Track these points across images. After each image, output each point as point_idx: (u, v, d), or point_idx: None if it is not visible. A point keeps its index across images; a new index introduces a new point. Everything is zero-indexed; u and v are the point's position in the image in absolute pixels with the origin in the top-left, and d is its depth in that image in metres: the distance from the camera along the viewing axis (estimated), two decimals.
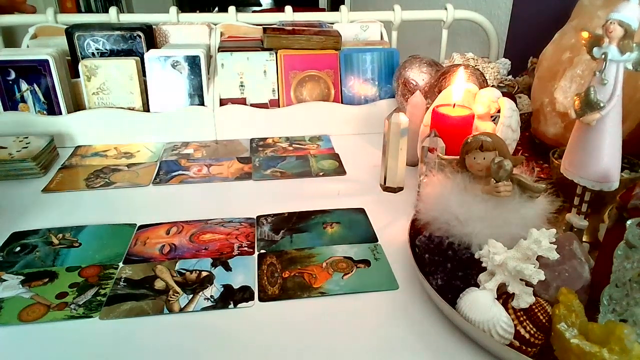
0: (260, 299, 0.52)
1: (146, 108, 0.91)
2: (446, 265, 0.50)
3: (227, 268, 0.57)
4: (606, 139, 0.49)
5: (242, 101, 0.94)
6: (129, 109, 0.90)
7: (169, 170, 0.81)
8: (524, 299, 0.44)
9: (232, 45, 0.97)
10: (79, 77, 0.88)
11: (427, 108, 0.77)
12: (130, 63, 0.88)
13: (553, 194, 0.51)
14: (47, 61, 0.85)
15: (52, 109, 0.88)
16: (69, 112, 0.88)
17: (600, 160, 0.50)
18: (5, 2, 1.04)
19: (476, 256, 0.48)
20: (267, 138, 0.93)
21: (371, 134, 0.94)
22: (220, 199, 0.72)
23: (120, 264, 0.57)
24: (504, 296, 0.46)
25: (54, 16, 1.02)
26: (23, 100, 0.87)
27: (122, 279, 0.55)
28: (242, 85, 0.93)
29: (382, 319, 0.50)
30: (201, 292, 0.53)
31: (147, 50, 0.93)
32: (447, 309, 0.46)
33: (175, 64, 0.89)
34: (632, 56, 0.47)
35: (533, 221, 0.49)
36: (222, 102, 0.92)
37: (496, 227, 0.49)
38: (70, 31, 0.93)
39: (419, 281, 0.53)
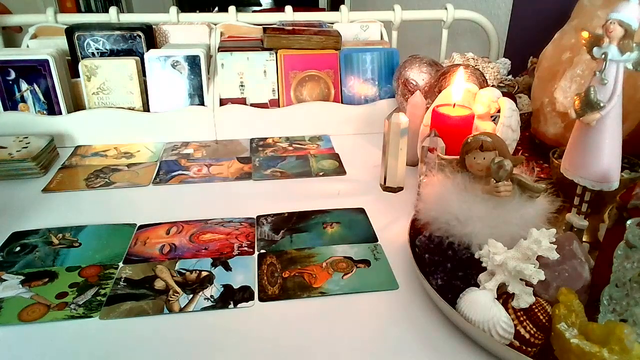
0: (260, 299, 0.52)
1: (146, 108, 0.91)
2: (446, 265, 0.50)
3: (227, 268, 0.57)
4: (606, 139, 0.49)
5: (242, 101, 0.94)
6: (129, 109, 0.90)
7: (169, 170, 0.81)
8: (524, 299, 0.44)
9: (232, 45, 0.97)
10: (79, 77, 0.88)
11: (427, 108, 0.77)
12: (130, 63, 0.88)
13: (553, 194, 0.51)
14: (47, 61, 0.85)
15: (52, 109, 0.88)
16: (69, 112, 0.88)
17: (600, 160, 0.50)
18: None
19: (476, 256, 0.48)
20: (267, 138, 0.93)
21: (371, 134, 0.94)
22: (220, 199, 0.72)
23: (120, 264, 0.57)
24: (504, 296, 0.46)
25: (54, 16, 1.02)
26: (23, 100, 0.87)
27: (122, 279, 0.55)
28: (242, 85, 0.93)
29: (382, 319, 0.50)
30: (201, 292, 0.53)
31: (147, 50, 0.93)
32: (447, 309, 0.46)
33: (175, 64, 0.89)
34: (632, 56, 0.47)
35: (533, 221, 0.49)
36: (222, 102, 0.92)
37: (496, 227, 0.49)
38: (70, 31, 0.93)
39: (419, 281, 0.53)
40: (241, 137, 0.93)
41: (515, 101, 0.76)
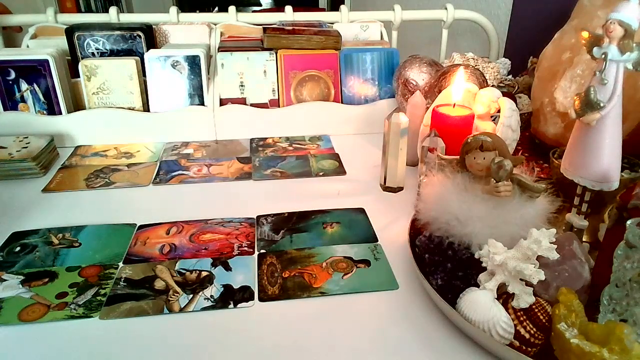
0: (260, 299, 0.52)
1: (146, 108, 0.91)
2: (446, 265, 0.50)
3: (227, 268, 0.57)
4: (606, 139, 0.49)
5: (242, 101, 0.94)
6: (129, 109, 0.90)
7: (169, 170, 0.81)
8: (524, 299, 0.44)
9: (232, 45, 0.97)
10: (79, 77, 0.88)
11: (427, 108, 0.77)
12: (130, 63, 0.88)
13: (553, 194, 0.51)
14: (47, 61, 0.85)
15: (52, 109, 0.88)
16: (69, 112, 0.88)
17: (600, 160, 0.50)
18: None
19: (476, 256, 0.48)
20: (267, 138, 0.93)
21: (371, 134, 0.94)
22: (220, 199, 0.72)
23: (120, 264, 0.57)
24: (504, 296, 0.46)
25: (54, 16, 1.02)
26: (23, 100, 0.87)
27: (122, 279, 0.55)
28: (242, 85, 0.93)
29: (382, 319, 0.50)
30: (201, 292, 0.53)
31: (147, 50, 0.93)
32: (447, 309, 0.46)
33: (175, 64, 0.89)
34: (632, 56, 0.47)
35: (533, 221, 0.49)
36: (222, 102, 0.92)
37: (496, 227, 0.49)
38: (70, 31, 0.93)
39: (419, 281, 0.53)
40: (241, 137, 0.93)
41: (515, 101, 0.76)
